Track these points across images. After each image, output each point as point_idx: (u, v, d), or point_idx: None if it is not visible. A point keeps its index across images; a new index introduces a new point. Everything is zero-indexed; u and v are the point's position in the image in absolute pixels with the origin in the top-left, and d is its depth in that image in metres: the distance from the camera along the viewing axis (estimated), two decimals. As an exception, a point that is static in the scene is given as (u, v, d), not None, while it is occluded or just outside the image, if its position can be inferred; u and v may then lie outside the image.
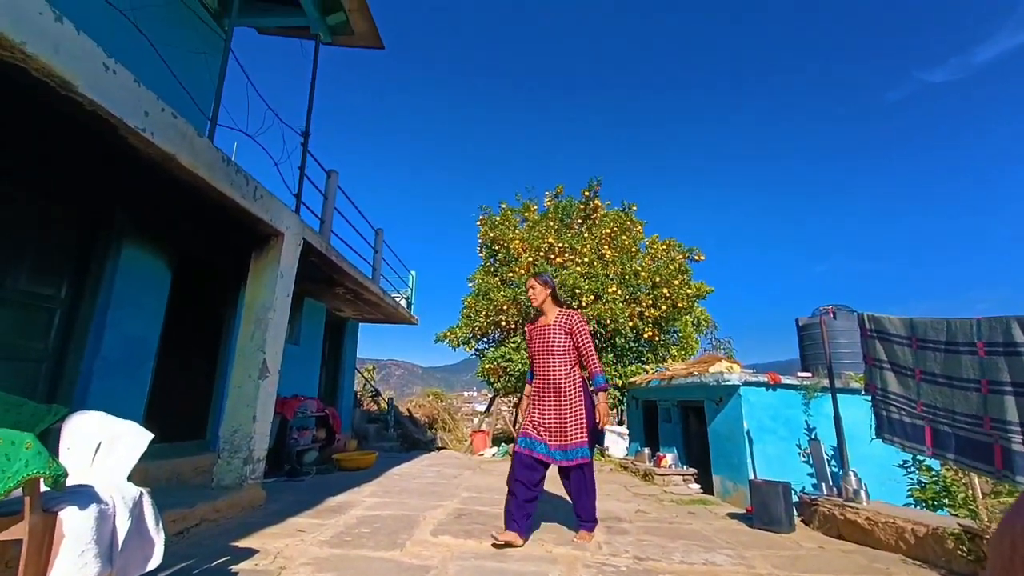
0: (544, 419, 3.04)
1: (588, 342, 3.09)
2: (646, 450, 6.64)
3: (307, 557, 2.53)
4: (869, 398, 3.64)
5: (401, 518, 3.45)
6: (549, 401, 3.05)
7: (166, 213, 4.10)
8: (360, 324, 9.89)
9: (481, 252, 10.58)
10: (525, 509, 2.89)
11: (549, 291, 3.22)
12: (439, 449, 9.72)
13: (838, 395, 4.32)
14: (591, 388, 3.04)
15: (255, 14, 5.51)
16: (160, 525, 1.58)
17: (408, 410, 13.53)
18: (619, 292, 8.98)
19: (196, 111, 4.41)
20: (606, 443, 8.74)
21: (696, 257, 10.24)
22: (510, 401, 11.37)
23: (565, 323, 3.10)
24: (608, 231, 9.98)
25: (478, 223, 10.56)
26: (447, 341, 9.87)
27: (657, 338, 9.43)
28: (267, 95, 4.82)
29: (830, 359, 4.48)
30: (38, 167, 3.30)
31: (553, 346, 3.07)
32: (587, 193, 10.56)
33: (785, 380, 5.14)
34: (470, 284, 10.13)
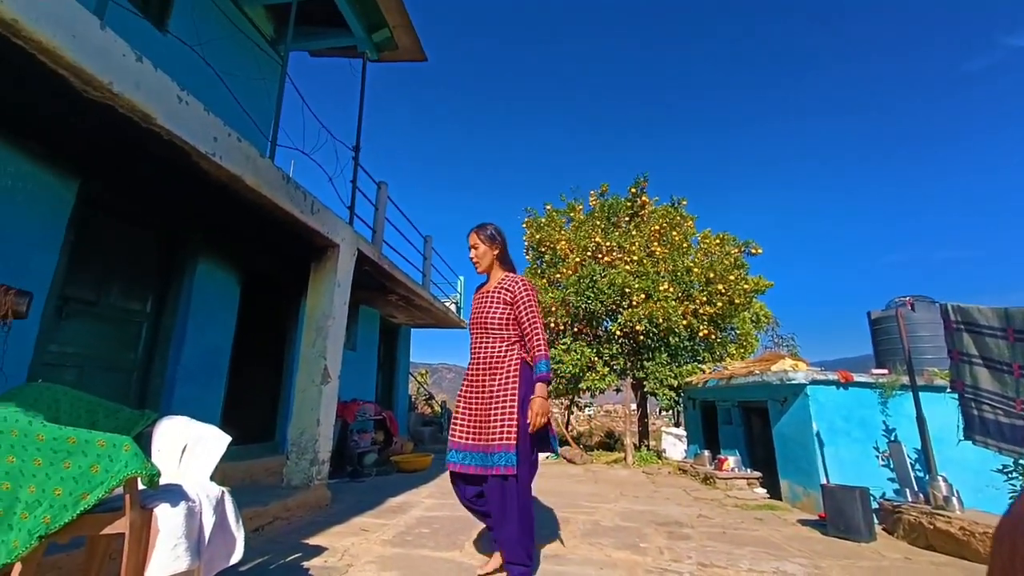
0: (469, 413, 2.36)
1: (533, 314, 2.35)
2: (706, 452, 6.39)
3: (372, 555, 2.63)
4: (956, 396, 3.32)
5: (458, 519, 3.50)
6: (478, 388, 2.36)
7: (234, 231, 4.40)
8: (412, 329, 10.18)
9: (527, 254, 10.60)
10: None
11: (496, 251, 2.47)
12: (492, 451, 9.81)
13: (920, 393, 3.98)
14: (544, 375, 2.27)
15: (307, 38, 5.82)
16: (240, 522, 1.70)
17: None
18: (671, 290, 8.72)
19: (257, 133, 4.72)
20: (663, 445, 8.50)
21: (753, 251, 9.77)
22: (561, 403, 11.28)
23: (506, 290, 2.39)
24: (657, 228, 9.71)
25: (523, 225, 10.59)
26: (497, 344, 9.96)
27: (713, 336, 9.07)
28: (318, 114, 5.07)
29: (909, 354, 4.14)
30: (125, 196, 3.63)
31: (488, 318, 2.37)
32: (633, 190, 10.34)
33: (858, 378, 4.79)
34: (517, 287, 10.18)
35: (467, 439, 2.31)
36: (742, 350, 9.46)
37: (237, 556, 1.65)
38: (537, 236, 10.06)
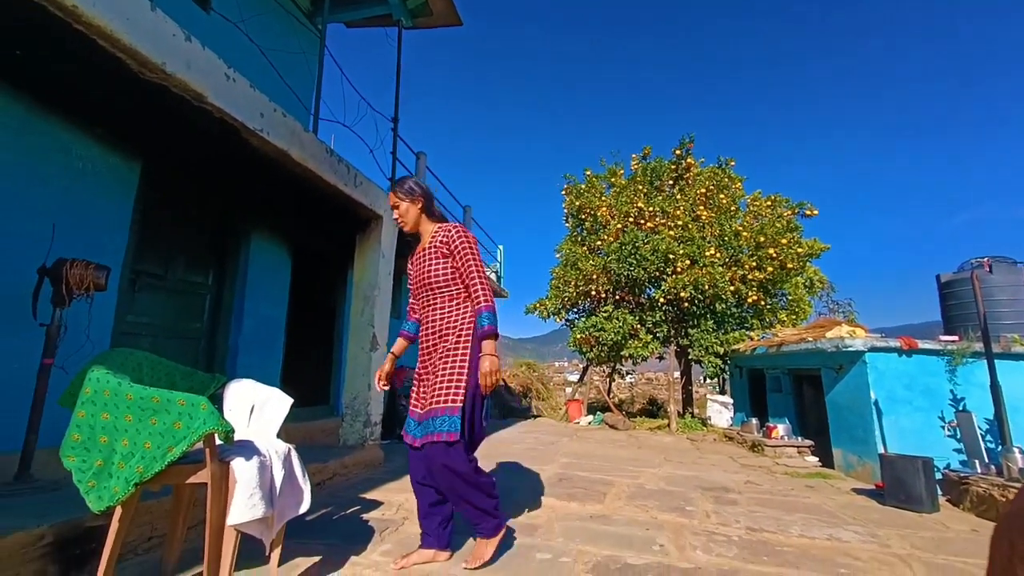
0: (419, 383, 2.13)
1: (472, 261, 2.08)
2: (754, 420, 6.27)
3: (425, 511, 2.77)
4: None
5: (505, 480, 3.62)
6: (428, 355, 2.11)
7: (283, 207, 4.55)
8: (454, 299, 10.37)
9: (567, 222, 10.45)
10: (433, 516, 2.05)
11: (419, 204, 2.18)
12: (534, 417, 10.01)
13: (996, 360, 3.71)
14: (486, 328, 1.99)
15: (343, 9, 5.79)
16: (305, 476, 1.82)
17: (503, 380, 14.05)
18: (718, 255, 8.41)
19: (300, 108, 4.79)
20: (708, 413, 8.40)
21: (807, 212, 9.23)
22: (603, 371, 11.29)
23: (441, 243, 2.12)
24: (703, 190, 9.31)
25: (563, 192, 10.41)
26: (537, 312, 9.99)
27: (763, 302, 8.74)
28: (356, 86, 5.08)
29: (985, 320, 3.84)
30: (183, 175, 3.82)
31: (430, 277, 2.11)
32: (678, 152, 9.89)
33: (923, 345, 4.51)
34: (557, 255, 10.09)
35: (416, 408, 2.08)
36: (794, 316, 9.06)
37: (305, 506, 1.78)
38: (577, 203, 9.88)
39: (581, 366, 11.69)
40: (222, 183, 4.07)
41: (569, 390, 14.01)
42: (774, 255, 8.30)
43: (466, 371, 1.97)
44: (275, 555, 1.81)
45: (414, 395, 2.13)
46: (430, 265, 2.12)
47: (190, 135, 3.13)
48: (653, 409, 11.99)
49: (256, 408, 1.93)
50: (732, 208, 9.24)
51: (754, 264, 8.40)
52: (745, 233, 8.58)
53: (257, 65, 4.18)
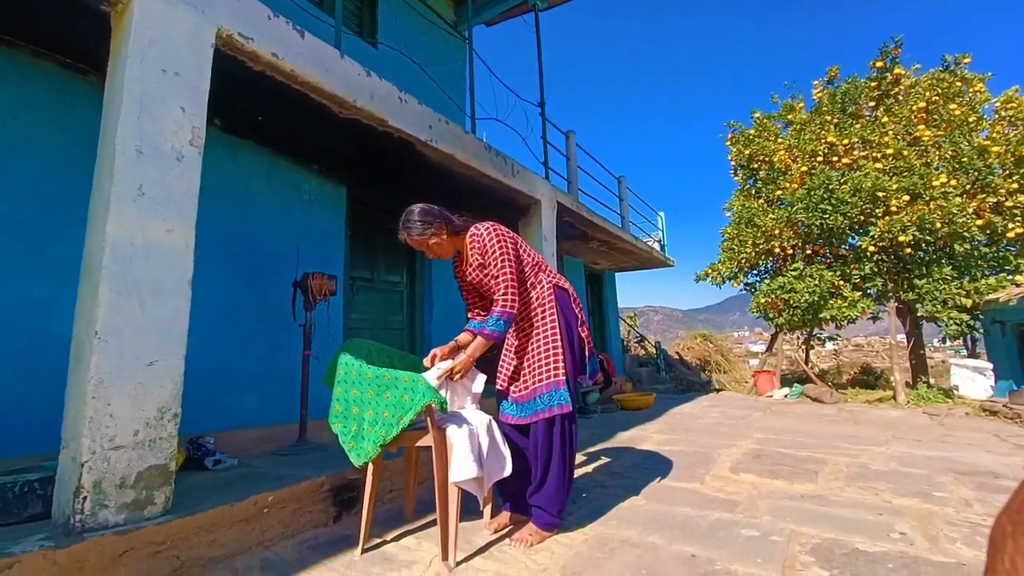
0: (505, 365, 2.16)
1: (503, 265, 1.96)
2: (1029, 390, 4.83)
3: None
4: None
5: (693, 454, 3.48)
6: (511, 344, 2.15)
7: (453, 203, 5.03)
8: (616, 274, 10.20)
9: (736, 175, 9.33)
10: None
11: (443, 231, 2.02)
12: (717, 391, 9.32)
13: None
14: (484, 329, 1.95)
15: (483, 9, 6.08)
16: (505, 444, 2.02)
17: (677, 353, 13.38)
18: (953, 183, 6.60)
19: (457, 112, 5.21)
20: (954, 381, 6.77)
21: (1106, 99, 6.62)
22: (797, 338, 9.89)
23: (480, 253, 2.04)
24: (922, 105, 7.37)
25: (727, 143, 9.31)
26: (709, 279, 9.19)
27: (1033, 235, 6.61)
28: (503, 79, 5.30)
29: None
30: (375, 190, 4.50)
31: (485, 287, 2.11)
32: (880, 64, 7.98)
33: None
34: (727, 213, 9.10)
35: (507, 388, 2.13)
36: (1090, 249, 6.65)
37: (507, 470, 1.98)
38: (746, 152, 8.74)
39: (767, 335, 10.44)
40: (402, 191, 4.68)
41: (754, 362, 12.66)
42: (1048, 169, 6.18)
43: (560, 343, 2.00)
44: (487, 510, 2.07)
45: (502, 378, 2.15)
46: (482, 276, 2.07)
47: (377, 155, 3.67)
48: (869, 379, 10.07)
49: (458, 384, 2.20)
50: (971, 119, 7.13)
51: (1015, 186, 6.38)
52: (996, 148, 6.55)
53: (418, 80, 4.67)
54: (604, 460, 3.36)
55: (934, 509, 2.26)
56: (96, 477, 1.64)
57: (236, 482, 2.24)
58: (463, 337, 2.17)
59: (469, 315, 2.28)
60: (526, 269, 2.11)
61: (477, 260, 2.05)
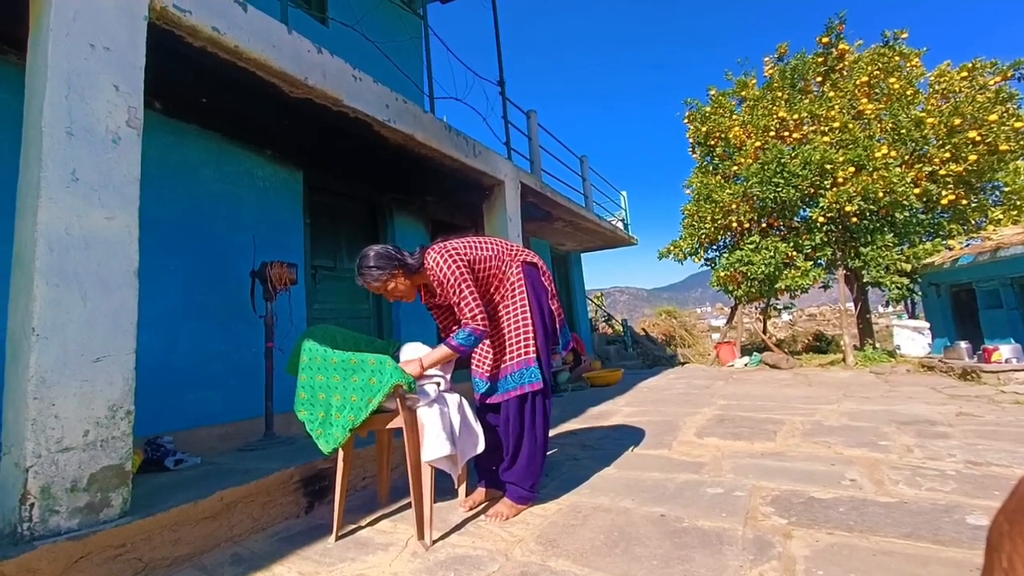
0: (482, 351, 2.18)
1: (456, 290, 1.92)
2: (962, 344, 5.22)
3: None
4: None
5: (661, 423, 3.60)
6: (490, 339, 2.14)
7: (415, 187, 4.94)
8: (582, 255, 10.32)
9: (694, 152, 9.54)
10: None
11: (399, 273, 2.00)
12: (682, 364, 9.65)
13: None
14: (452, 340, 1.89)
15: (435, -15, 5.89)
16: (476, 421, 2.03)
17: (643, 329, 13.73)
18: (893, 154, 6.96)
19: (416, 91, 5.08)
20: (897, 341, 7.24)
21: (1027, 73, 7.09)
22: (755, 309, 10.32)
23: (437, 283, 1.99)
24: (864, 79, 7.70)
25: (685, 120, 9.49)
26: (672, 256, 9.43)
27: (965, 201, 7.08)
28: (461, 58, 5.19)
29: None
30: (333, 176, 4.36)
31: (453, 309, 2.04)
32: (825, 39, 8.27)
33: None
34: (687, 191, 9.33)
35: (480, 369, 2.16)
36: (1014, 212, 7.17)
37: (480, 447, 1.99)
38: (703, 129, 8.94)
39: (727, 309, 10.84)
40: (362, 176, 4.56)
41: (716, 335, 13.15)
42: (977, 139, 6.60)
43: (531, 321, 2.02)
44: (462, 488, 2.08)
45: (476, 359, 2.16)
46: (446, 299, 2.03)
47: (334, 138, 3.54)
48: (821, 345, 10.66)
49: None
50: (909, 92, 7.51)
51: (947, 155, 6.79)
52: (931, 120, 6.94)
53: (373, 59, 4.51)
54: (576, 435, 3.43)
55: (880, 456, 2.43)
56: (44, 482, 1.55)
57: (200, 480, 2.16)
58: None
59: (442, 336, 2.20)
60: (491, 271, 2.06)
61: (439, 289, 2.02)
